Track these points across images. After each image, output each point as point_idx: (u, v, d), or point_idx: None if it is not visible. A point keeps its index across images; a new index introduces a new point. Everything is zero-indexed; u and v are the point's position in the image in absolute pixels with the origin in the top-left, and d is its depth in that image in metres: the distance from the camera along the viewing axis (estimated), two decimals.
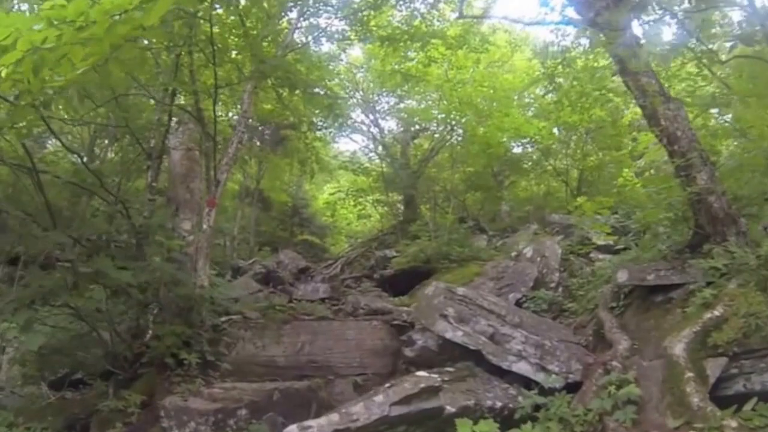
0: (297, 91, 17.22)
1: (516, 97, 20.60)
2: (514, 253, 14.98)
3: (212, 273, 11.28)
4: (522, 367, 7.69)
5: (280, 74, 11.03)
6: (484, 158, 20.18)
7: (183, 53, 10.35)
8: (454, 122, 19.44)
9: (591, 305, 10.28)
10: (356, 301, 13.07)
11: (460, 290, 9.17)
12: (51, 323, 8.40)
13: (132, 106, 11.21)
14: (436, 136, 23.45)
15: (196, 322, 8.88)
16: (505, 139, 18.76)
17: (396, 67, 17.23)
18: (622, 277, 8.75)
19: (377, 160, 24.24)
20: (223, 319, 9.70)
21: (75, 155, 10.71)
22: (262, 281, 18.04)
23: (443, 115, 19.38)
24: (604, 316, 8.88)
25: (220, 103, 13.11)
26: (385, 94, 23.56)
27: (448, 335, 8.25)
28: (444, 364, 8.42)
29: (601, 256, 14.31)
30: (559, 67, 14.98)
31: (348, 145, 40.93)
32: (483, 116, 18.37)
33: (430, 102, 22.59)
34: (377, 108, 24.12)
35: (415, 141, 25.53)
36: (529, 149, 20.80)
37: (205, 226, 10.06)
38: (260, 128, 23.51)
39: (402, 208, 23.75)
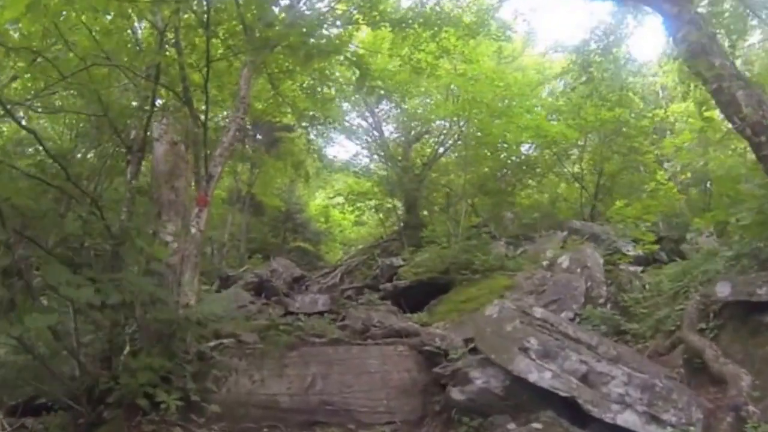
0: (295, 85, 15.45)
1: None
2: (545, 263, 12.90)
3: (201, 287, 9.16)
4: (628, 419, 5.55)
5: (292, 40, 8.85)
6: (496, 160, 18.13)
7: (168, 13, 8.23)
8: (463, 121, 17.24)
9: (665, 326, 8.25)
10: (367, 317, 11.00)
11: (538, 311, 7.19)
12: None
13: (102, 79, 9.09)
14: (441, 137, 21.39)
15: (178, 351, 6.75)
16: (522, 139, 16.63)
17: (406, 56, 15.04)
18: (723, 291, 6.85)
19: (379, 162, 22.06)
20: (212, 343, 7.56)
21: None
22: (254, 292, 16.01)
23: (451, 114, 17.19)
24: (697, 341, 6.90)
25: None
26: (387, 93, 21.44)
27: (532, 377, 6.15)
28: (507, 411, 6.39)
29: (632, 268, 12.48)
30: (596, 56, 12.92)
31: (341, 150, 38.69)
32: (496, 114, 16.25)
33: (431, 101, 20.55)
34: (379, 108, 21.93)
35: (417, 145, 23.42)
36: (544, 151, 18.56)
37: (194, 230, 7.94)
38: (252, 129, 21.36)
39: (403, 213, 21.53)
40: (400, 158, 21.66)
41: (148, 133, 10.01)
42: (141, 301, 6.61)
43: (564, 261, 12.32)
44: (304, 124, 16.01)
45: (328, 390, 7.20)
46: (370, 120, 22.07)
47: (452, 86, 18.31)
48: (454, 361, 7.76)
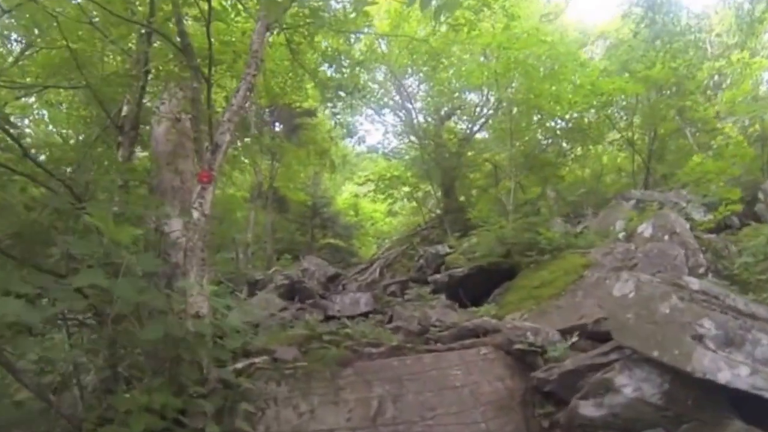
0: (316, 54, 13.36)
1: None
2: (621, 235, 10.77)
3: (222, 290, 7.12)
4: None
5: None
6: (544, 128, 15.87)
7: None
8: (506, 87, 14.99)
9: None
10: (424, 316, 9.04)
11: (694, 282, 5.23)
12: None
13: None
14: (478, 109, 19.16)
15: (190, 379, 4.69)
16: (576, 98, 14.34)
17: (441, 19, 12.93)
18: None
19: (410, 142, 19.88)
20: (240, 365, 5.50)
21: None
22: (285, 295, 14.15)
23: (493, 77, 14.91)
24: None
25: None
26: (413, 68, 19.29)
27: (723, 377, 4.27)
28: (662, 424, 4.53)
29: (711, 236, 10.75)
30: None
31: (368, 135, 36.47)
32: (544, 75, 14.03)
33: (464, 70, 18.39)
34: (408, 81, 19.73)
35: (448, 122, 21.15)
36: (600, 112, 16.17)
37: (196, 215, 5.90)
38: (270, 115, 19.30)
39: (441, 197, 19.30)
40: (432, 137, 19.38)
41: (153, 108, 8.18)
42: (133, 315, 4.62)
43: (646, 229, 10.36)
44: (328, 96, 13.71)
45: (404, 416, 5.15)
46: (398, 96, 19.84)
47: (488, 51, 16.06)
48: (558, 361, 5.79)
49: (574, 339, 6.45)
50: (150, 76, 8.09)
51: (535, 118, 15.65)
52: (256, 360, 5.63)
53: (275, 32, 10.24)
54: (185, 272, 5.35)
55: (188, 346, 4.57)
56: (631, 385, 4.72)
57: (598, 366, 5.34)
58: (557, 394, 5.60)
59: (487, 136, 19.24)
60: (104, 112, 7.81)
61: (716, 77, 18.17)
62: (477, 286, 10.63)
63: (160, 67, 7.88)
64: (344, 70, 13.41)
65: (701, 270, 8.78)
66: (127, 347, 5.10)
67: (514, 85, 14.60)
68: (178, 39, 6.80)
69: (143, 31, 7.92)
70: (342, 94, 13.39)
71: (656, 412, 4.59)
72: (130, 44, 8.63)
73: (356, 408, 5.13)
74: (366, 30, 13.75)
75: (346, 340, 6.28)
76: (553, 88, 13.86)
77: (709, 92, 17.98)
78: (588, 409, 4.84)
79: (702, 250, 9.45)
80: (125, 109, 8.28)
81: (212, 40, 6.84)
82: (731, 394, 4.44)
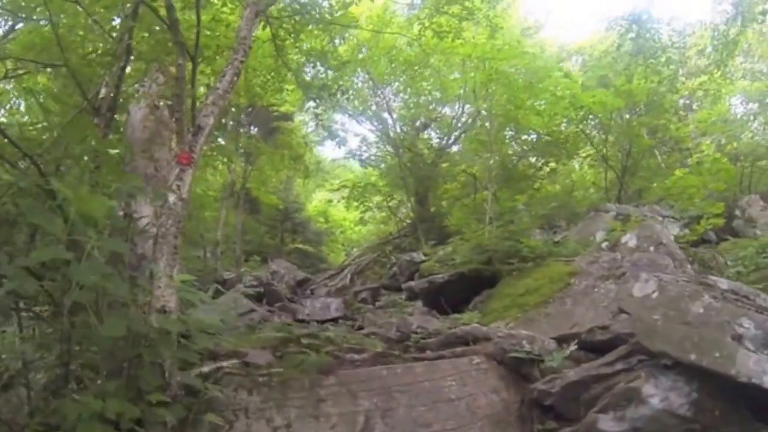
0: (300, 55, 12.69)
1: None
2: (604, 245, 10.24)
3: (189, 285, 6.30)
4: None
5: None
6: (521, 140, 15.32)
7: None
8: (485, 98, 14.42)
9: None
10: (404, 322, 8.36)
11: (722, 281, 4.85)
12: None
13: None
14: (454, 121, 18.57)
15: (150, 383, 3.90)
16: (556, 111, 13.83)
17: (426, 19, 12.33)
18: None
19: (386, 150, 19.21)
20: (206, 369, 4.70)
21: None
22: (253, 297, 13.16)
23: (475, 86, 14.34)
24: None
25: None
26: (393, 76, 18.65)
27: None
28: None
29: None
30: None
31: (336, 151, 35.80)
32: (524, 87, 13.49)
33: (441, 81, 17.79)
34: (387, 89, 19.04)
35: (424, 133, 20.54)
36: (579, 126, 15.63)
37: (172, 198, 5.13)
38: (247, 116, 18.45)
39: (414, 206, 18.59)
40: (408, 146, 18.73)
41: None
42: (90, 304, 3.84)
43: (630, 240, 9.90)
44: (311, 96, 12.93)
45: None
46: (378, 101, 19.14)
47: (466, 63, 15.50)
48: (555, 371, 5.26)
49: (572, 348, 5.80)
50: (132, 57, 7.36)
51: (510, 133, 15.10)
52: (225, 364, 4.85)
53: (261, 26, 9.61)
54: (154, 260, 4.57)
55: (151, 345, 3.78)
56: (658, 395, 4.08)
57: (605, 376, 4.73)
58: (557, 407, 4.94)
59: (462, 147, 18.65)
60: (81, 93, 6.99)
61: (688, 98, 17.91)
62: (457, 293, 9.99)
63: (143, 47, 7.15)
64: (329, 70, 12.71)
65: None
66: (82, 343, 4.29)
67: (494, 96, 14.00)
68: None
69: (129, 4, 7.21)
70: (325, 95, 12.64)
71: (682, 424, 3.96)
72: (113, 22, 7.94)
73: (339, 424, 4.36)
74: (352, 28, 13.07)
75: (326, 345, 5.53)
76: (532, 100, 13.31)
77: (681, 112, 17.69)
78: (608, 423, 4.17)
79: (689, 260, 8.97)
80: (103, 91, 7.52)
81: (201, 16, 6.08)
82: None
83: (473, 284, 9.93)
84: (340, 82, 13.00)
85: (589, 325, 6.56)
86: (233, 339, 5.93)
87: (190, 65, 6.24)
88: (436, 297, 9.93)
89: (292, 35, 10.88)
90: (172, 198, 5.20)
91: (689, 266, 8.67)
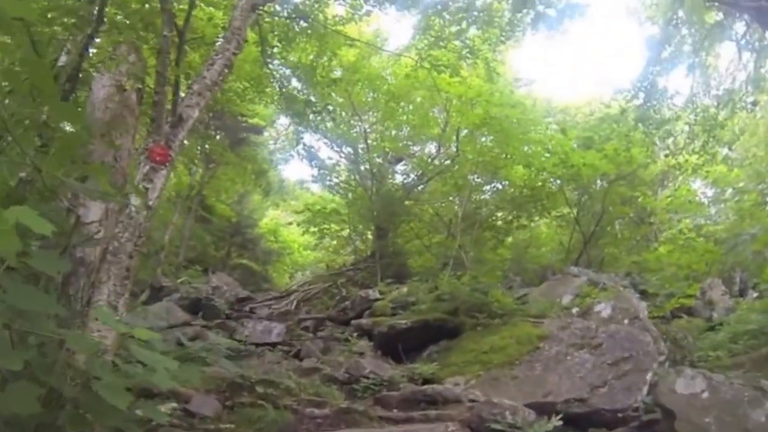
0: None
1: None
2: (574, 310, 9.66)
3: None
4: None
5: None
6: (500, 192, 14.80)
7: None
8: (472, 140, 13.93)
9: None
10: (355, 365, 7.77)
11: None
12: None
13: None
14: (430, 159, 17.99)
15: None
16: (545, 165, 13.38)
17: (424, 51, 11.75)
18: None
19: (357, 178, 18.44)
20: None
21: None
22: (190, 309, 12.63)
23: (470, 126, 13.79)
24: None
25: None
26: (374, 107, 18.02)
27: None
28: None
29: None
30: None
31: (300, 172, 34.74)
32: (516, 137, 13.04)
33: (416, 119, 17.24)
34: (365, 119, 18.33)
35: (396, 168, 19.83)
36: (563, 185, 15.17)
37: (135, 204, 4.29)
38: (214, 120, 17.50)
39: (375, 240, 17.73)
40: (379, 179, 18.00)
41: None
42: None
43: (604, 309, 9.31)
44: (295, 110, 11.98)
45: None
46: (356, 128, 18.37)
47: (454, 101, 14.97)
48: None
49: (556, 422, 5.14)
50: (103, 26, 6.43)
51: (491, 184, 14.60)
52: (163, 410, 3.95)
53: (249, 28, 8.86)
54: (97, 283, 3.66)
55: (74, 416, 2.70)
56: None
57: None
58: None
59: (433, 188, 18.05)
60: (35, 53, 6.02)
61: (662, 174, 17.79)
62: (413, 340, 9.25)
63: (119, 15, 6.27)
64: (312, 87, 11.98)
65: (661, 358, 7.68)
66: None
67: (480, 139, 13.50)
68: None
69: None
70: (309, 112, 11.83)
71: None
72: None
73: None
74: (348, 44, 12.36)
75: (285, 396, 4.70)
76: (526, 148, 12.83)
77: (655, 187, 17.54)
78: None
79: (664, 339, 8.47)
80: (64, 58, 6.59)
81: None
82: None
83: (433, 333, 9.24)
84: (328, 102, 12.23)
85: (565, 395, 6.33)
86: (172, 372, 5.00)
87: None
88: (393, 342, 9.16)
89: (283, 42, 10.15)
90: (135, 203, 4.36)
91: (662, 344, 8.15)
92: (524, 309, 9.74)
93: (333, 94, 14.35)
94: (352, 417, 4.68)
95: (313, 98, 11.94)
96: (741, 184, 16.32)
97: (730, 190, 17.25)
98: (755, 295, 12.25)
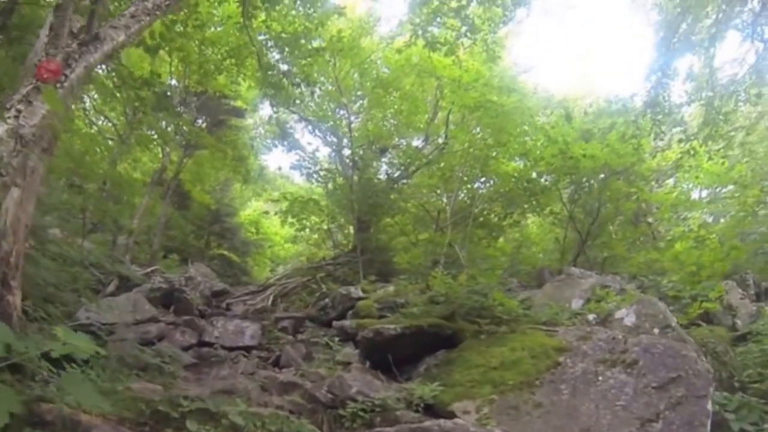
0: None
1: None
2: (591, 316, 7.92)
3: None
4: None
5: None
6: (492, 186, 13.12)
7: None
8: (465, 126, 12.23)
9: None
10: (339, 384, 6.00)
11: None
12: None
13: None
14: (420, 145, 16.25)
15: None
16: (545, 155, 11.73)
17: (420, 25, 10.04)
18: None
19: (340, 167, 16.71)
20: None
21: None
22: (160, 301, 11.09)
23: (442, 117, 12.12)
24: None
25: None
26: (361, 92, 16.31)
27: None
28: None
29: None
30: None
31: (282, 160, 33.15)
32: (513, 123, 11.38)
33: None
34: (350, 104, 16.51)
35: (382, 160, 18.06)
36: (562, 178, 13.50)
37: (10, 124, 2.46)
38: (196, 98, 15.68)
39: (357, 234, 15.91)
40: (362, 168, 16.23)
41: None
42: None
43: (627, 316, 7.52)
44: (271, 81, 10.11)
45: None
46: (340, 113, 16.57)
47: (446, 88, 13.26)
48: None
49: None
50: None
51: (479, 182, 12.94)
52: None
53: None
54: None
55: None
56: None
57: None
58: None
59: (419, 181, 16.36)
60: None
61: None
62: (406, 349, 7.40)
63: None
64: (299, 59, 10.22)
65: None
66: None
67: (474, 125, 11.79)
68: None
69: None
70: (287, 83, 10.06)
71: None
72: None
73: None
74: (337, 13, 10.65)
75: None
76: (524, 138, 11.15)
77: (651, 184, 16.02)
78: None
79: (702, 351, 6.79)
80: None
81: None
82: None
83: (428, 342, 7.36)
84: (308, 75, 10.47)
85: None
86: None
87: None
88: (381, 351, 7.34)
89: (266, 5, 8.40)
90: (9, 123, 2.61)
91: (704, 360, 6.48)
92: (531, 315, 8.03)
93: (316, 73, 12.68)
94: None
95: (294, 69, 10.16)
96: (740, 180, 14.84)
97: (729, 187, 15.77)
98: None
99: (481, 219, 13.77)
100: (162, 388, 4.71)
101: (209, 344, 9.35)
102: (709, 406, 4.98)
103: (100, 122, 15.42)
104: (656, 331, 7.01)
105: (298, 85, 9.94)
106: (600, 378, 5.69)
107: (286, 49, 10.01)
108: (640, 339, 6.37)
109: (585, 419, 5.00)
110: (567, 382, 5.71)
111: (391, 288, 11.71)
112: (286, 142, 17.94)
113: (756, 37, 12.42)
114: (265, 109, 19.02)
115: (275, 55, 10.39)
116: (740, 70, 13.09)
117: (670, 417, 4.86)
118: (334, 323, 10.24)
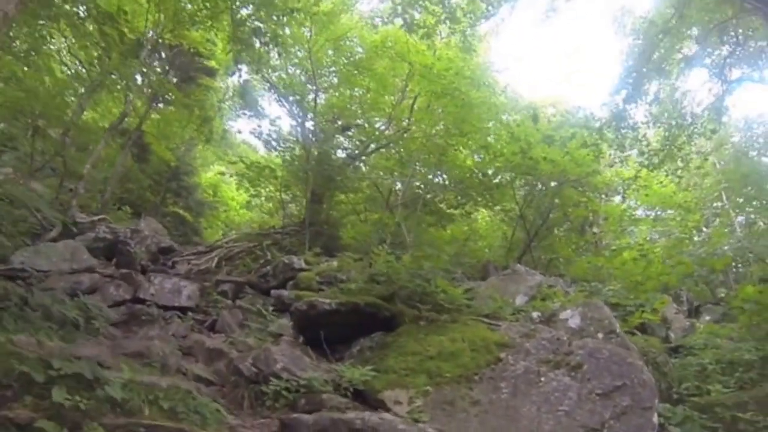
0: None
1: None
2: (534, 314, 7.24)
3: None
4: None
5: None
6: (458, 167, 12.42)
7: None
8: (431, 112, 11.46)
9: None
10: (264, 356, 5.18)
11: None
12: None
13: None
14: (381, 129, 15.35)
15: None
16: (506, 150, 11.10)
17: (402, 4, 9.23)
18: None
19: (296, 141, 15.74)
20: None
21: None
22: (102, 252, 10.32)
23: (407, 103, 11.32)
24: None
25: None
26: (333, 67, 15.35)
27: None
28: None
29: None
30: None
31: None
32: (477, 117, 10.68)
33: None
34: (319, 78, 15.48)
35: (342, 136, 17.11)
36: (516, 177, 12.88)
37: None
38: (168, 50, 14.50)
39: (309, 205, 14.97)
40: (321, 142, 15.30)
41: None
42: None
43: (572, 318, 6.81)
44: (239, 37, 9.10)
45: None
46: (309, 87, 15.55)
47: (417, 73, 12.45)
48: None
49: None
50: None
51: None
52: None
53: None
54: None
55: None
56: None
57: None
58: None
59: (376, 161, 15.55)
60: None
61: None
62: (340, 328, 6.59)
63: None
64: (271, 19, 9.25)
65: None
66: None
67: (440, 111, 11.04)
68: None
69: None
70: (257, 41, 9.10)
71: None
72: None
73: None
74: None
75: (98, 416, 2.14)
76: (488, 132, 10.46)
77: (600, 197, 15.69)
78: None
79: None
80: None
81: None
82: None
83: (365, 322, 6.55)
84: (281, 34, 9.52)
85: None
86: None
87: None
88: (315, 327, 6.52)
89: None
90: None
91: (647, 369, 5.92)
92: (475, 306, 7.33)
93: (291, 39, 11.73)
94: None
95: (264, 27, 9.19)
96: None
97: (670, 211, 15.64)
98: (707, 318, 10.59)
99: (432, 206, 13.09)
100: (60, 346, 3.80)
101: (143, 301, 8.38)
102: (655, 419, 4.40)
103: (75, 69, 14.13)
104: (600, 335, 6.35)
105: (267, 44, 8.99)
106: (542, 379, 5.03)
107: (259, 3, 9.05)
108: (585, 342, 5.73)
109: (526, 423, 4.33)
110: (508, 380, 5.04)
111: (335, 263, 10.99)
112: (252, 111, 16.90)
113: (723, 78, 12.20)
114: (239, 76, 17.99)
115: (248, 11, 9.42)
116: (700, 106, 12.95)
117: (616, 427, 4.23)
118: (273, 292, 9.50)
